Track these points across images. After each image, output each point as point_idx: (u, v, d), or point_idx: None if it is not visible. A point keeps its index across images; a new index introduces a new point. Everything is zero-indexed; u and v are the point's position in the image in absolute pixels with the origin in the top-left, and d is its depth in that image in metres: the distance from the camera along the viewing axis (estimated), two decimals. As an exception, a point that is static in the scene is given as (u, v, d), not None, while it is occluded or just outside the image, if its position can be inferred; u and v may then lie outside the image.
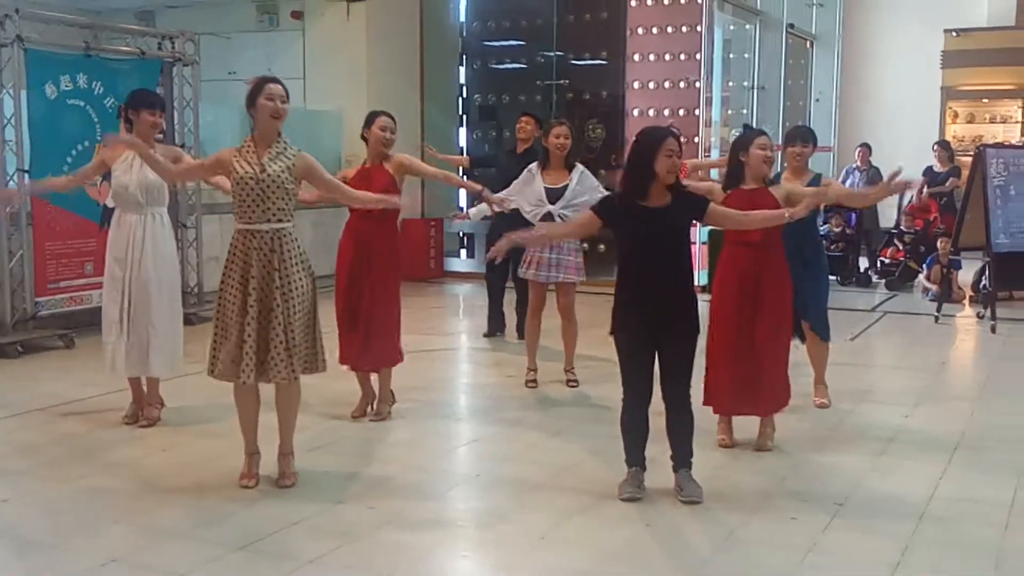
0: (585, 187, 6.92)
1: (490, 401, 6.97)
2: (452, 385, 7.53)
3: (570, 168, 6.95)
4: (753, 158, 5.52)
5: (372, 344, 6.15)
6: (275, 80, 4.93)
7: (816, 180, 6.42)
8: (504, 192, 6.94)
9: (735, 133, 13.78)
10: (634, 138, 4.86)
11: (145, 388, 6.12)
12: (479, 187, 6.73)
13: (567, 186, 6.88)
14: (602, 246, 12.16)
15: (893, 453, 5.70)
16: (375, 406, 6.28)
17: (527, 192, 6.92)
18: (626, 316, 4.77)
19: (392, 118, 6.20)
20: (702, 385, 5.52)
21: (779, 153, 6.83)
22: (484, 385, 7.49)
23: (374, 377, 6.32)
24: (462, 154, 13.39)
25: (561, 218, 6.85)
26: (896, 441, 5.93)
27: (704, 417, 5.81)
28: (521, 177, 7.00)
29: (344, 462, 5.46)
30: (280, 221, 4.87)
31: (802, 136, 6.45)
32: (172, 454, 5.57)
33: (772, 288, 5.57)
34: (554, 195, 6.87)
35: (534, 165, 6.99)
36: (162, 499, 4.83)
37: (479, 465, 5.67)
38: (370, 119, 6.19)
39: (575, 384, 7.10)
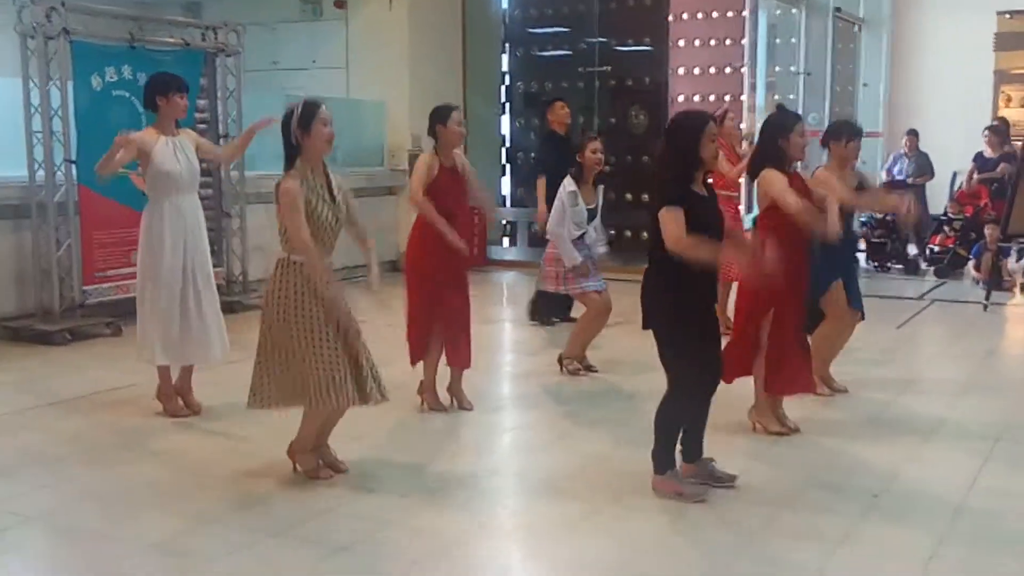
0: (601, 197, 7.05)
1: (528, 390, 6.98)
2: (491, 374, 7.52)
3: (595, 184, 6.96)
4: (794, 146, 5.48)
5: (465, 341, 6.19)
6: (321, 102, 4.84)
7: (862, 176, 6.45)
8: (551, 224, 6.90)
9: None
10: (671, 123, 4.76)
11: (172, 378, 6.18)
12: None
13: (597, 206, 6.93)
14: (628, 232, 12.07)
15: (933, 444, 5.63)
16: (460, 398, 6.27)
17: (573, 214, 6.81)
18: (697, 304, 4.63)
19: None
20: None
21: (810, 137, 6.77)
22: (523, 374, 7.49)
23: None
24: (503, 143, 13.46)
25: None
26: (937, 432, 5.85)
27: (727, 405, 5.81)
28: (564, 201, 6.79)
29: (379, 451, 5.50)
30: None
31: (860, 131, 6.40)
32: (211, 442, 5.65)
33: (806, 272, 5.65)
34: (591, 215, 6.90)
35: (572, 183, 6.82)
36: (200, 486, 4.91)
37: (513, 454, 5.69)
38: (444, 114, 6.01)
39: (595, 370, 7.16)
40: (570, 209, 6.78)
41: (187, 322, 6.00)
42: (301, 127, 4.69)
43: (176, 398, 6.13)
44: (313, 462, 4.97)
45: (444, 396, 6.28)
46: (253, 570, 4.05)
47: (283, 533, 4.34)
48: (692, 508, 4.60)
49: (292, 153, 4.73)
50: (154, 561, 4.11)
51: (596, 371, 7.14)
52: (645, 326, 4.68)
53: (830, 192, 5.72)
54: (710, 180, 4.74)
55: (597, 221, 6.99)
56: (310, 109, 4.73)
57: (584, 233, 6.87)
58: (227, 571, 4.03)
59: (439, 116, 6.05)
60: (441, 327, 6.13)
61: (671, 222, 4.42)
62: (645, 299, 4.65)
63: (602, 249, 7.11)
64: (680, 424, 4.74)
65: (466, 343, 6.22)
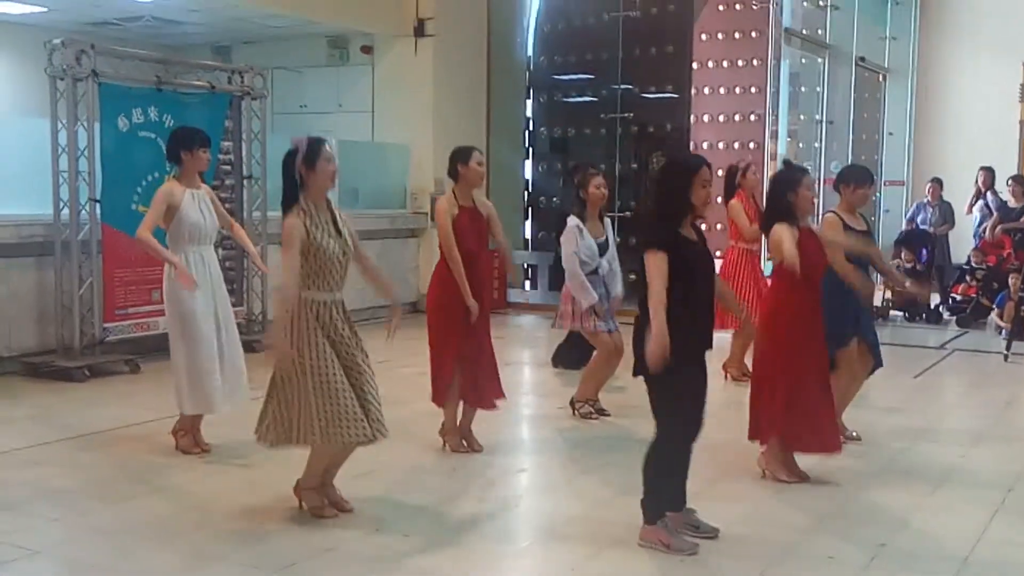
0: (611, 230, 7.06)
1: (540, 432, 7.00)
2: (504, 415, 7.52)
3: (600, 217, 6.99)
4: (803, 199, 5.51)
5: (495, 380, 6.24)
6: (325, 140, 4.94)
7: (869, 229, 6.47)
8: (566, 255, 6.87)
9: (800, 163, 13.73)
10: (664, 165, 4.77)
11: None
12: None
13: (607, 238, 6.94)
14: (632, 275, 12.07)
15: (944, 494, 5.58)
16: (469, 439, 6.29)
17: (583, 248, 6.83)
18: (690, 351, 4.54)
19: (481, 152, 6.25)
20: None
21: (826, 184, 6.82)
22: (535, 417, 7.50)
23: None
24: (526, 187, 13.54)
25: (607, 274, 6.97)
26: (949, 481, 5.79)
27: (738, 451, 5.79)
28: (571, 234, 6.82)
29: (386, 490, 5.51)
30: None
31: (872, 177, 6.44)
32: (219, 479, 5.69)
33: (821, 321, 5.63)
34: (601, 249, 6.91)
35: (576, 220, 6.85)
36: (205, 522, 4.93)
37: (520, 496, 5.68)
38: (465, 154, 6.08)
39: (607, 414, 7.14)
40: (580, 243, 6.79)
41: (223, 369, 6.08)
42: (306, 163, 4.77)
43: (190, 435, 6.18)
44: (318, 500, 4.99)
45: None
46: (252, 607, 4.07)
47: (284, 571, 4.35)
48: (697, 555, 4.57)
49: (292, 191, 4.78)
50: (155, 596, 4.14)
51: (608, 415, 7.13)
52: (636, 373, 4.60)
53: (834, 247, 5.82)
54: (701, 223, 4.69)
55: (613, 258, 6.95)
56: (315, 146, 4.80)
57: (598, 267, 6.87)
58: (226, 607, 4.05)
59: (460, 156, 6.11)
60: (464, 367, 6.14)
61: (653, 267, 4.36)
62: (637, 347, 4.55)
63: (619, 290, 7.09)
64: (667, 473, 4.64)
65: (490, 385, 6.23)
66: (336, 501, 5.04)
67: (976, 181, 13.46)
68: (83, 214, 8.42)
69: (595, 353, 7.22)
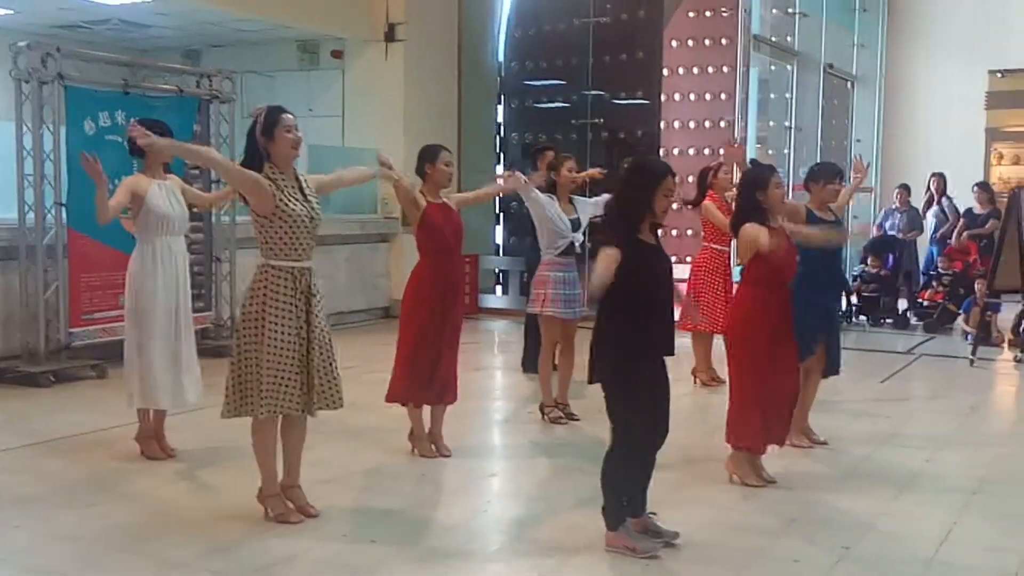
0: (585, 209, 7.08)
1: (509, 437, 6.99)
2: (474, 420, 7.52)
3: (569, 200, 7.08)
4: (773, 197, 5.53)
5: (452, 379, 6.23)
6: (286, 109, 4.93)
7: (838, 220, 6.51)
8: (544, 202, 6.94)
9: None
10: (631, 166, 4.78)
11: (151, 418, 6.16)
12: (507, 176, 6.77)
13: (577, 218, 7.00)
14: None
15: (909, 497, 5.62)
16: (439, 444, 6.26)
17: (555, 220, 6.93)
18: (647, 355, 4.55)
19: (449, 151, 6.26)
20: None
21: (796, 191, 6.88)
22: (505, 421, 7.50)
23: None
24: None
25: (583, 247, 7.02)
26: (914, 485, 5.84)
27: (706, 456, 5.81)
28: (547, 201, 6.94)
29: (354, 496, 5.50)
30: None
31: (840, 173, 6.51)
32: (185, 486, 5.65)
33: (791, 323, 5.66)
34: (575, 225, 6.99)
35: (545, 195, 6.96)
36: (170, 530, 4.89)
37: (489, 500, 5.67)
38: (433, 154, 6.09)
39: (576, 419, 7.11)
40: (551, 209, 6.87)
41: (178, 364, 6.03)
42: (264, 134, 4.76)
43: (154, 441, 6.13)
44: (282, 506, 4.96)
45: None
46: (217, 614, 4.04)
47: (250, 577, 4.33)
48: (660, 559, 4.57)
49: (252, 162, 4.77)
50: (118, 603, 4.10)
51: (577, 420, 7.12)
52: (593, 380, 4.56)
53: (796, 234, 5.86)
54: (659, 231, 4.69)
55: (584, 226, 7.00)
56: (272, 116, 4.80)
57: (572, 243, 6.94)
58: (190, 614, 4.02)
59: (428, 155, 6.11)
60: (430, 371, 6.12)
61: (603, 259, 4.35)
62: (596, 351, 4.53)
63: None
64: (628, 478, 4.63)
65: (452, 381, 6.23)
66: (302, 506, 5.01)
67: (928, 187, 13.63)
68: (49, 218, 8.35)
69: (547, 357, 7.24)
